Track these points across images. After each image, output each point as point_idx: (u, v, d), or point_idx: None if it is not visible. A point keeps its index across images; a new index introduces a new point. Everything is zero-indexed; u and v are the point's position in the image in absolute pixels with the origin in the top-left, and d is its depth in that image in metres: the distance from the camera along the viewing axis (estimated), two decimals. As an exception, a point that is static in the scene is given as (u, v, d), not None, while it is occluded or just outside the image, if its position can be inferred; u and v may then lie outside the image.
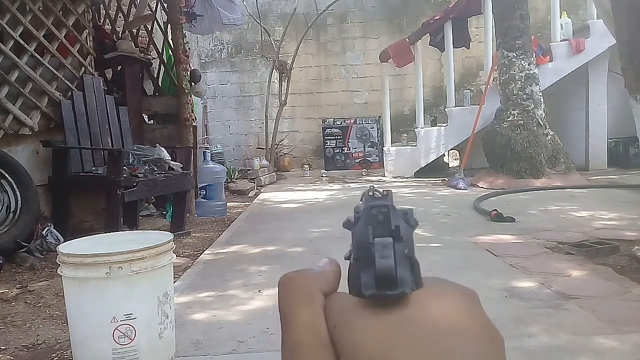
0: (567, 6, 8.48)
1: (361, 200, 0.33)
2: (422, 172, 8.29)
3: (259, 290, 3.03)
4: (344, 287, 0.29)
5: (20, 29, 4.21)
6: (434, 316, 0.26)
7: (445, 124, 8.40)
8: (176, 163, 4.87)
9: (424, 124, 8.49)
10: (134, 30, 6.35)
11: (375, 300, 0.26)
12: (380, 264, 0.26)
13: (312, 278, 0.29)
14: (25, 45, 4.22)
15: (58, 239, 3.98)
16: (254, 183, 7.91)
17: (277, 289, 0.29)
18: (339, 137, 10.04)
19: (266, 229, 4.87)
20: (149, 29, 6.48)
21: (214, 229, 5.05)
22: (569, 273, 3.11)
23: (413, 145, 8.49)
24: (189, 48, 6.30)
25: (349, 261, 0.29)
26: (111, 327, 1.88)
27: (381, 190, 0.30)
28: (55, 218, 4.30)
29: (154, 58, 6.40)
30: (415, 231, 0.29)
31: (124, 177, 4.10)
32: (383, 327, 0.26)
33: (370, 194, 0.30)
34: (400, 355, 0.25)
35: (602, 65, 7.99)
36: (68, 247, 2.06)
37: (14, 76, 4.13)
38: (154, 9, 6.67)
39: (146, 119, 6.20)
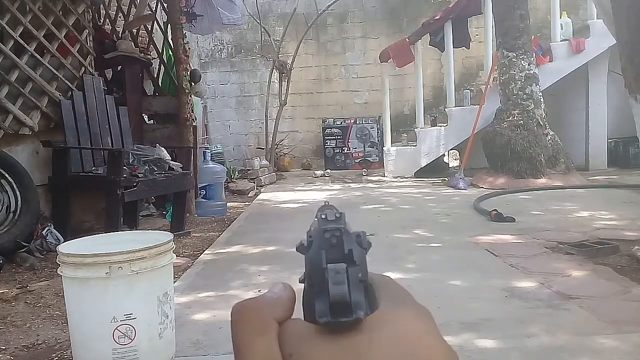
0: (567, 6, 8.47)
1: (316, 217, 0.33)
2: (422, 172, 8.29)
3: (259, 290, 3.03)
4: (299, 311, 0.29)
5: (20, 29, 4.21)
6: (390, 341, 0.25)
7: (445, 124, 8.40)
8: (176, 163, 4.87)
9: (424, 124, 8.49)
10: (134, 30, 6.35)
11: (330, 327, 0.26)
12: (333, 290, 0.26)
13: (266, 306, 0.28)
14: (25, 45, 4.22)
15: (58, 239, 3.98)
16: (254, 183, 7.91)
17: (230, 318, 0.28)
18: (339, 137, 10.04)
19: (266, 229, 4.87)
20: (149, 29, 6.48)
21: (214, 229, 5.05)
22: (569, 273, 3.11)
23: (413, 145, 8.48)
24: (189, 48, 6.30)
25: (303, 285, 0.29)
26: (111, 327, 1.88)
27: (335, 212, 0.30)
28: (55, 218, 4.30)
29: (154, 58, 6.40)
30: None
31: (124, 177, 4.10)
32: (340, 355, 0.25)
33: (323, 216, 0.29)
34: None
35: (602, 65, 7.99)
36: (68, 247, 2.06)
37: (14, 76, 4.13)
38: (154, 9, 6.67)
39: (146, 119, 6.20)
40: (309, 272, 0.28)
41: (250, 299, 0.29)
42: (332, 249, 0.28)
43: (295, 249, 0.29)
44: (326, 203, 0.34)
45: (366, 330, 0.26)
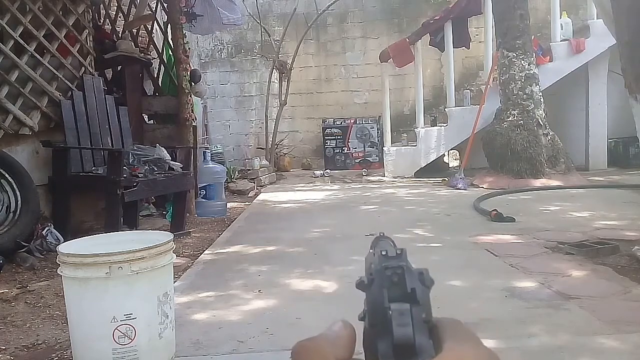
0: (567, 6, 8.48)
1: (371, 249, 0.32)
2: (422, 172, 8.29)
3: (259, 290, 3.03)
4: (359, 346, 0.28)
5: (20, 29, 4.21)
6: None
7: (445, 124, 8.40)
8: (176, 163, 4.86)
9: (424, 124, 8.49)
10: (134, 30, 6.35)
11: None
12: (398, 332, 0.25)
13: (327, 346, 0.28)
14: (25, 45, 4.22)
15: (58, 239, 3.98)
16: (254, 183, 7.91)
17: (291, 354, 0.28)
18: (339, 137, 10.04)
19: (266, 229, 4.87)
20: (149, 29, 6.48)
21: (214, 229, 5.05)
22: (569, 273, 3.11)
23: (413, 145, 8.48)
24: (189, 48, 6.31)
25: (363, 322, 0.28)
26: (111, 327, 1.88)
27: (395, 247, 0.29)
28: (55, 218, 4.30)
29: (154, 58, 6.40)
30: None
31: (124, 177, 4.10)
32: None
33: (384, 253, 0.29)
34: None
35: (602, 65, 7.99)
36: (68, 247, 2.06)
37: (14, 76, 4.13)
38: (154, 9, 6.67)
39: (146, 119, 6.20)
40: (371, 311, 0.27)
41: (309, 339, 0.28)
42: (394, 286, 0.27)
43: (355, 286, 0.28)
44: (381, 234, 0.33)
45: None
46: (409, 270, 0.27)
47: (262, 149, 10.12)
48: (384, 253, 0.29)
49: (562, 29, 7.99)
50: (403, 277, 0.27)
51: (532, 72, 7.11)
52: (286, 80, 9.78)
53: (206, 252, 4.08)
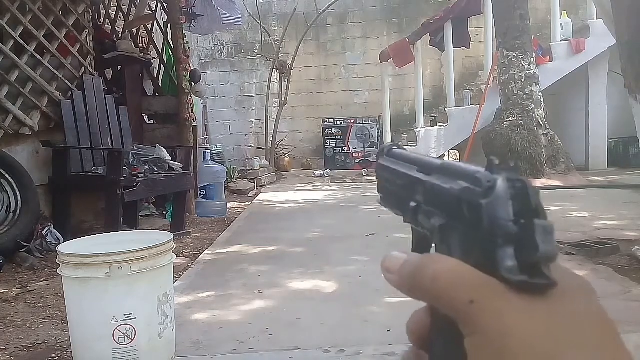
0: (567, 6, 8.48)
1: (380, 155, 0.31)
2: (422, 172, 8.27)
3: (259, 291, 3.03)
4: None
5: (20, 29, 4.21)
6: (591, 315, 0.25)
7: (445, 124, 8.40)
8: (176, 163, 4.87)
9: (424, 124, 8.49)
10: (134, 30, 6.35)
11: (525, 287, 0.24)
12: (544, 249, 0.23)
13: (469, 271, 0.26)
14: (25, 45, 4.22)
15: (58, 239, 3.98)
16: (254, 183, 7.91)
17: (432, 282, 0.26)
18: (339, 137, 10.03)
19: (266, 229, 4.87)
20: (149, 29, 6.48)
21: (214, 229, 5.05)
22: (569, 273, 3.10)
23: (413, 145, 8.48)
24: (189, 48, 6.31)
25: (414, 227, 0.27)
26: (111, 327, 1.88)
27: (508, 162, 0.26)
28: (55, 218, 4.30)
29: (154, 58, 6.40)
30: None
31: (124, 177, 4.10)
32: (546, 321, 0.24)
33: (497, 162, 0.26)
34: (575, 357, 0.23)
35: (602, 65, 7.99)
36: (68, 247, 2.06)
37: (14, 76, 4.13)
38: (154, 9, 6.67)
39: (146, 119, 6.20)
40: (490, 221, 0.24)
41: (447, 258, 0.27)
42: (516, 201, 0.24)
43: (463, 194, 0.26)
44: (392, 142, 0.32)
45: (559, 299, 0.24)
46: (531, 184, 0.25)
47: (262, 149, 10.12)
48: (496, 163, 0.26)
49: (562, 29, 8.00)
50: (525, 192, 0.25)
51: (532, 72, 7.11)
52: (286, 80, 9.78)
53: (206, 252, 4.08)
